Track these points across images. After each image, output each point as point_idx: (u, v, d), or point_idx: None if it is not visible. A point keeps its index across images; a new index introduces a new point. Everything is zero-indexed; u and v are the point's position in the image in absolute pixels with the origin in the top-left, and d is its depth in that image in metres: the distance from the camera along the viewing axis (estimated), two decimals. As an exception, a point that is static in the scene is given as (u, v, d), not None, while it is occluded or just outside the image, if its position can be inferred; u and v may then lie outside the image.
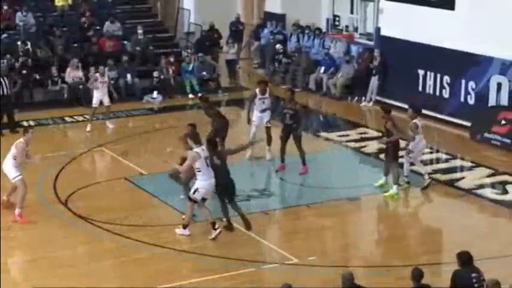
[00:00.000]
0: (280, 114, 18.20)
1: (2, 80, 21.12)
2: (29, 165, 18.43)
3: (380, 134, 21.08)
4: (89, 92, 23.98)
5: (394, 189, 16.35)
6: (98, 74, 21.49)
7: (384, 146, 16.98)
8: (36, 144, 19.82)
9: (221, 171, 14.30)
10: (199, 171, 14.09)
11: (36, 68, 24.44)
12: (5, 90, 21.08)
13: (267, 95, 18.52)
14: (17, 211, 14.92)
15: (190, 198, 14.30)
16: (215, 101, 24.60)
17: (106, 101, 21.40)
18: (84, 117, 22.43)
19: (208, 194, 14.36)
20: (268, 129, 18.44)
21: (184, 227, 14.38)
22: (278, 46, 27.30)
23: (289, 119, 17.52)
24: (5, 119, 21.24)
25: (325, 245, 14.50)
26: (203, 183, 14.11)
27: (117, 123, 22.34)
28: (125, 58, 25.05)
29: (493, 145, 19.97)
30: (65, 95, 23.87)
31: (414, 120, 16.47)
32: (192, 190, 14.24)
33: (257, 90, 18.51)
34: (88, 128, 21.19)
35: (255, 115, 18.45)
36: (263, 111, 18.37)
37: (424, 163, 18.91)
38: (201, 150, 14.15)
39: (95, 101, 21.28)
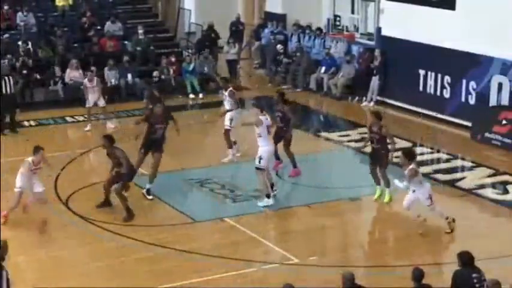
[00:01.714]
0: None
1: (5, 79, 21.11)
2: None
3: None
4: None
5: (387, 192, 16.10)
6: (86, 80, 21.63)
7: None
8: (36, 145, 19.92)
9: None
10: (260, 136, 15.59)
11: (37, 68, 24.44)
12: (8, 89, 21.08)
13: (226, 93, 18.57)
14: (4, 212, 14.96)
15: (258, 169, 15.57)
16: (216, 102, 24.69)
17: (101, 102, 21.60)
18: (85, 117, 22.41)
19: (269, 161, 15.75)
20: (226, 131, 18.21)
21: (268, 196, 15.55)
22: (279, 47, 27.28)
23: (280, 122, 17.37)
24: (7, 119, 21.27)
25: (325, 245, 14.49)
26: (264, 149, 15.59)
27: (117, 123, 22.35)
28: (125, 58, 25.05)
29: (494, 145, 19.96)
30: (62, 96, 23.82)
31: (410, 167, 14.34)
32: (257, 160, 15.56)
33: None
34: (87, 128, 21.29)
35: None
36: (226, 111, 18.40)
37: (425, 163, 18.98)
38: (265, 119, 15.62)
39: (89, 102, 21.44)
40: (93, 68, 23.75)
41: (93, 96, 21.44)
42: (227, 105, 18.67)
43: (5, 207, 15.16)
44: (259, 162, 15.58)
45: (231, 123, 18.39)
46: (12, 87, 21.23)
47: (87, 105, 21.52)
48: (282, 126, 17.36)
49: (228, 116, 18.43)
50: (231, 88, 18.78)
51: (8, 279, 10.46)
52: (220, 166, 18.00)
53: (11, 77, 21.42)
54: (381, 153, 16.03)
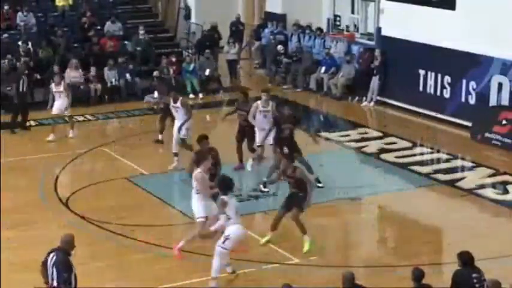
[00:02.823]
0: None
1: (21, 78, 21.28)
2: (30, 165, 18.54)
3: (381, 134, 21.16)
4: (88, 92, 24.06)
5: (307, 240, 13.92)
6: (53, 85, 20.58)
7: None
8: (36, 144, 19.94)
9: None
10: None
11: (37, 68, 24.42)
12: (20, 88, 21.26)
13: (178, 104, 17.81)
14: (180, 244, 13.47)
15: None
16: (216, 102, 24.73)
17: (66, 111, 20.43)
18: (85, 117, 22.50)
19: None
20: (183, 140, 17.74)
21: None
22: (280, 47, 27.27)
23: (243, 121, 17.34)
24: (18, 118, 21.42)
25: (325, 245, 14.47)
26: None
27: (117, 123, 22.36)
28: (120, 59, 24.96)
29: (494, 145, 19.96)
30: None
31: (223, 197, 12.37)
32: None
33: (171, 99, 18.14)
34: (70, 134, 20.53)
35: (175, 124, 18.00)
36: (180, 126, 17.77)
37: (425, 163, 19.00)
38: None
39: (54, 109, 20.44)
40: (93, 69, 23.81)
41: (58, 103, 20.29)
42: (177, 114, 17.94)
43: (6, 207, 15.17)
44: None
45: (187, 133, 17.82)
46: (25, 87, 21.37)
47: (52, 113, 20.53)
48: (246, 125, 17.36)
49: (185, 125, 17.80)
50: (181, 98, 18.21)
51: (75, 276, 10.35)
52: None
53: (24, 76, 21.53)
54: (299, 197, 14.03)
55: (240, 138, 17.76)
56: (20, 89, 21.31)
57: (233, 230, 12.16)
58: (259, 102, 17.33)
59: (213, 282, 12.24)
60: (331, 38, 26.24)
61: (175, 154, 17.89)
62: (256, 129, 17.32)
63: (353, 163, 19.34)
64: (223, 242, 12.13)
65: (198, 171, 13.24)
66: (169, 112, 19.53)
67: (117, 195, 16.60)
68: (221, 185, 12.53)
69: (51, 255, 10.32)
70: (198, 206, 13.32)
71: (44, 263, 10.41)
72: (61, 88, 20.39)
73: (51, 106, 20.57)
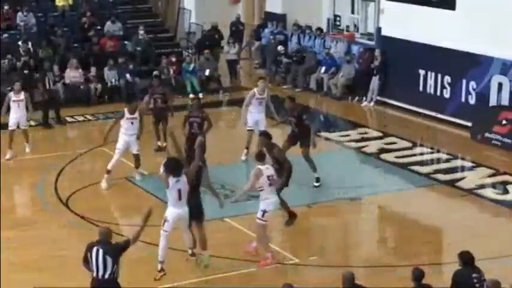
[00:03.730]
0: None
1: (47, 75, 21.51)
2: (30, 165, 18.52)
3: (381, 134, 21.16)
4: (88, 92, 24.04)
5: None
6: (12, 93, 18.92)
7: None
8: (36, 145, 19.92)
9: None
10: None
11: (37, 68, 24.40)
12: (47, 85, 21.44)
13: (136, 115, 17.13)
14: (268, 254, 13.35)
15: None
16: (217, 101, 24.72)
17: (22, 123, 18.77)
18: (85, 117, 22.50)
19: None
20: (136, 156, 17.32)
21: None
22: (280, 48, 27.27)
23: (196, 128, 17.02)
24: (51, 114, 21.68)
25: (325, 245, 14.49)
26: None
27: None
28: (120, 60, 24.95)
29: (494, 145, 19.96)
30: (62, 96, 23.74)
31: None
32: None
33: (125, 109, 17.21)
34: (7, 156, 18.58)
35: (122, 138, 17.19)
36: (131, 135, 17.17)
37: (425, 163, 19.01)
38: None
39: (11, 123, 18.66)
40: (93, 69, 23.77)
41: (16, 116, 18.65)
42: (132, 126, 17.12)
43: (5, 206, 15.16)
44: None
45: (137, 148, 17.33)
46: (52, 84, 21.63)
47: (9, 127, 18.65)
48: (198, 133, 16.93)
49: (133, 139, 17.23)
50: (137, 110, 17.49)
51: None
52: (220, 166, 17.99)
53: (50, 73, 21.81)
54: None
55: (189, 148, 16.26)
56: (47, 86, 21.61)
57: (167, 212, 12.79)
58: (255, 89, 18.32)
59: (159, 265, 12.77)
60: (331, 38, 26.24)
61: (108, 171, 16.95)
62: (248, 114, 18.16)
63: (353, 163, 19.34)
64: (163, 225, 12.64)
65: (257, 168, 13.48)
66: (161, 115, 19.25)
67: (117, 195, 16.59)
68: (168, 166, 12.75)
69: (95, 249, 10.56)
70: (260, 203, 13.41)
71: (85, 259, 10.70)
72: (21, 97, 18.84)
73: (5, 114, 19.16)
